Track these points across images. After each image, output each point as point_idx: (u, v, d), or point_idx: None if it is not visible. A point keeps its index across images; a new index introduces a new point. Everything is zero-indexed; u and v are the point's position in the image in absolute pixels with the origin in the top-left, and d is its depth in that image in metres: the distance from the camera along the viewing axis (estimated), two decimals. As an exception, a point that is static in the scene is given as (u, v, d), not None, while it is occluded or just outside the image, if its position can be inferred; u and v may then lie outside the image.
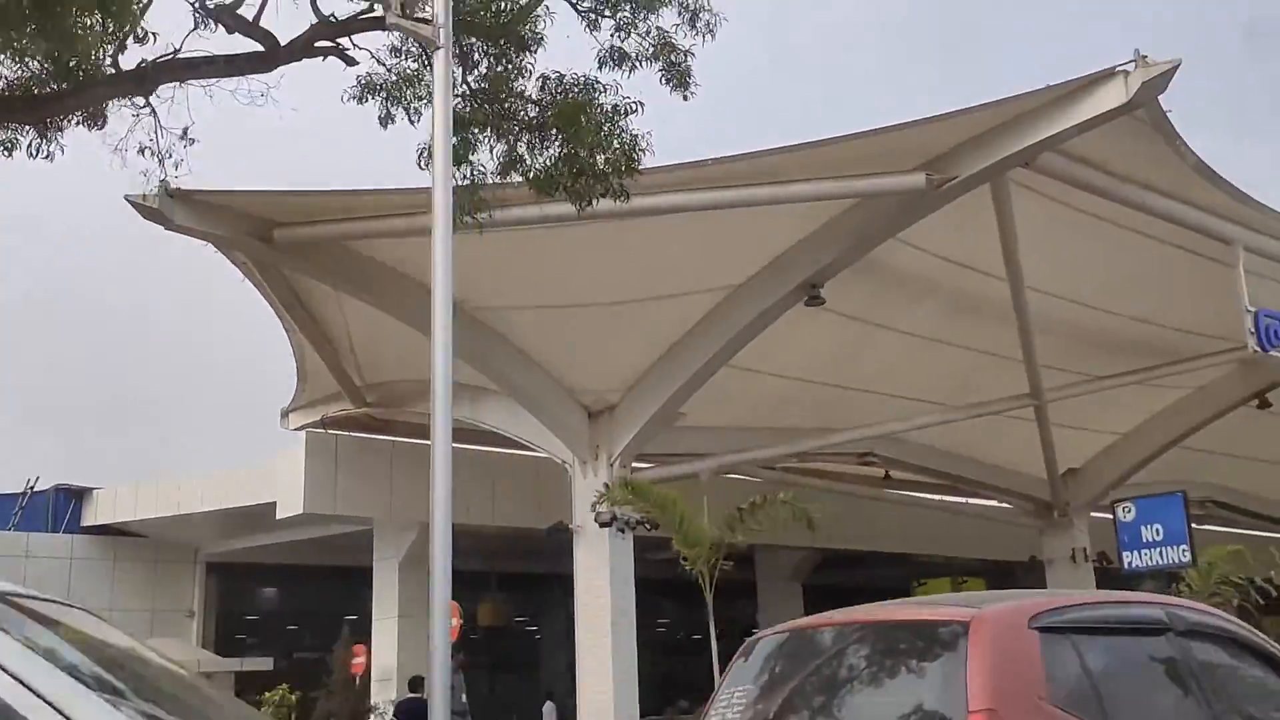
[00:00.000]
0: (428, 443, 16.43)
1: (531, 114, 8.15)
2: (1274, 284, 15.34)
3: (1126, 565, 17.46)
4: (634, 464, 16.14)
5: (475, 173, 8.13)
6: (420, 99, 7.57)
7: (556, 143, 8.23)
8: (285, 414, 20.58)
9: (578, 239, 13.17)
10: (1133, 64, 11.04)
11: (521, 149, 8.31)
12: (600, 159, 8.16)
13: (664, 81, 8.28)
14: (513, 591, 26.06)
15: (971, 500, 22.85)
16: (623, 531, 15.19)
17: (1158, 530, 16.85)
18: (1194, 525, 28.53)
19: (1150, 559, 16.78)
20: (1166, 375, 17.56)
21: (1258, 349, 14.27)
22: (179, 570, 25.18)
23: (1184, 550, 16.43)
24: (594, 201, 8.41)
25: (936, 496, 23.04)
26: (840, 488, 22.61)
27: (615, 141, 8.14)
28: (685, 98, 8.47)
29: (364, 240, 13.38)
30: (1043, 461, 21.45)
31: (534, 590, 26.15)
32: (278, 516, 19.79)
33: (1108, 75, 11.19)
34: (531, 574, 23.53)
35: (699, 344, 14.50)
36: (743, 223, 13.31)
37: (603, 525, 15.00)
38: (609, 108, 8.15)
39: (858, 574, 32.29)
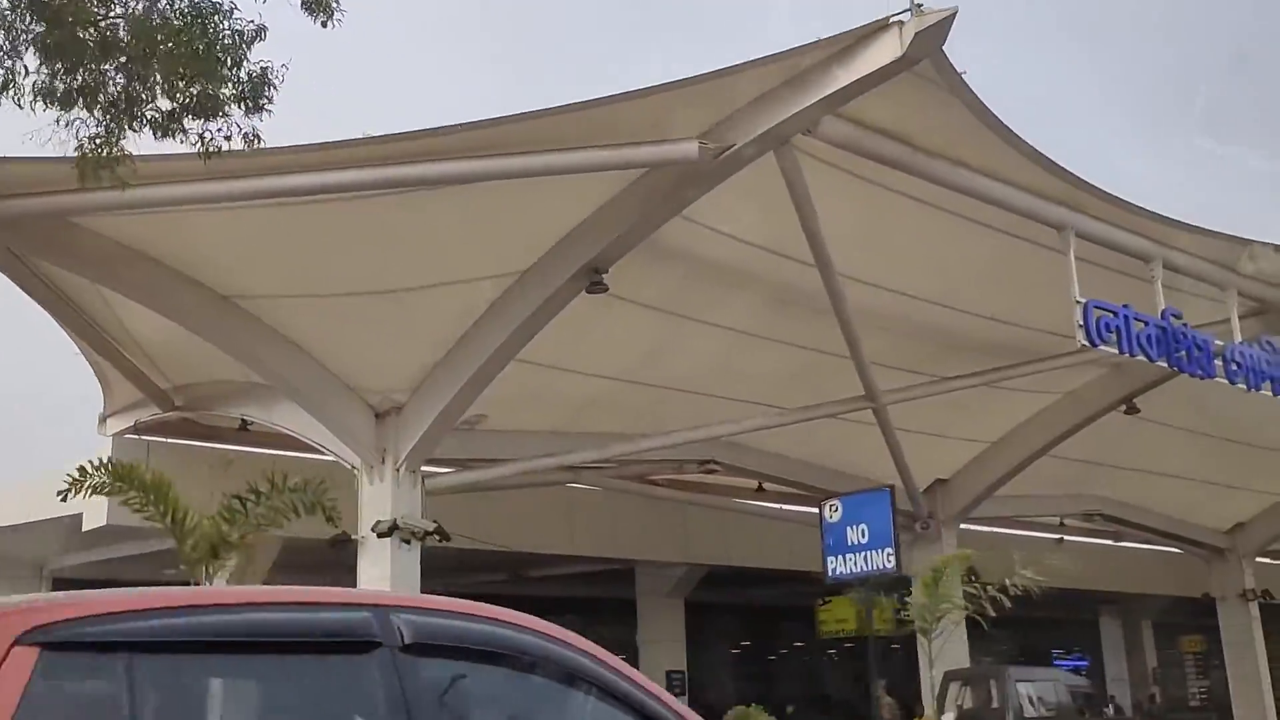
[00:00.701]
0: (252, 450, 14.88)
1: (121, 37, 6.89)
2: (1112, 274, 14.26)
3: (830, 573, 15.85)
4: (432, 469, 14.86)
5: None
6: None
7: (158, 74, 6.99)
8: (103, 419, 19.17)
9: (344, 217, 11.91)
10: (908, 13, 9.92)
11: (133, 85, 7.08)
12: (220, 91, 6.92)
13: (303, 7, 7.09)
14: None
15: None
16: (407, 542, 13.87)
17: (863, 532, 15.48)
18: (1080, 537, 27.83)
19: (855, 565, 15.45)
20: (1018, 377, 16.44)
21: (1086, 343, 13.14)
22: (23, 586, 23.68)
23: (889, 555, 15.08)
24: (219, 148, 7.15)
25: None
26: (709, 500, 21.49)
27: (236, 71, 6.91)
28: (324, 24, 7.26)
29: (97, 215, 12.03)
30: (913, 472, 20.36)
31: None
32: (83, 529, 18.37)
33: (882, 27, 10.06)
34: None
35: (484, 337, 13.22)
36: (523, 201, 12.07)
37: (381, 536, 13.67)
38: (227, 32, 6.92)
39: (753, 592, 31.25)
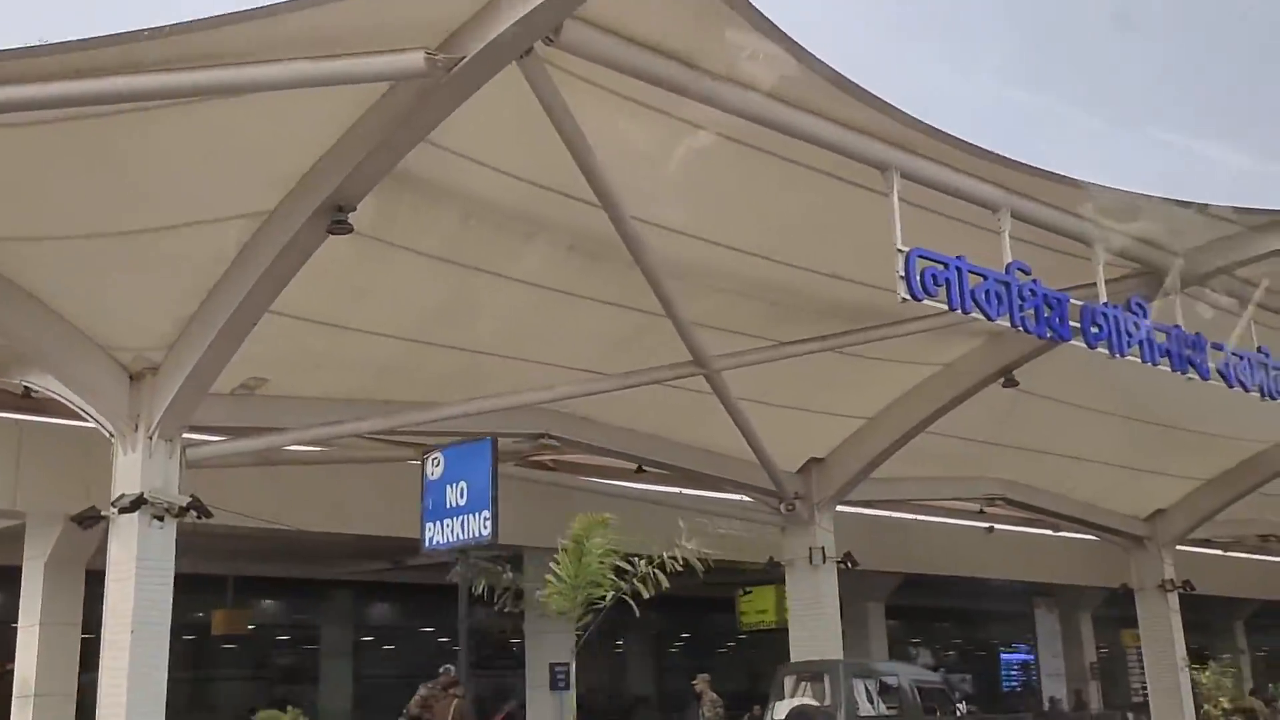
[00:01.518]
0: (62, 421, 13.29)
1: None
2: (942, 220, 12.82)
3: (427, 542, 13.81)
4: (202, 437, 13.41)
5: None
6: None
7: None
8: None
9: (60, 141, 10.37)
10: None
11: None
12: None
13: None
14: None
15: (722, 496, 20.21)
16: (160, 519, 12.41)
17: (463, 492, 13.70)
18: (1014, 526, 26.39)
19: (452, 532, 13.79)
20: (868, 342, 14.99)
21: (907, 296, 11.69)
22: None
23: (485, 520, 13.37)
24: None
25: (692, 492, 20.39)
26: (588, 483, 20.12)
27: None
28: None
29: None
30: (785, 450, 18.98)
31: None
32: None
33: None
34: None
35: (233, 287, 11.75)
36: (261, 129, 10.59)
37: (123, 511, 12.21)
38: None
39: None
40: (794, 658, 18.44)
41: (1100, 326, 13.72)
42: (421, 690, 16.08)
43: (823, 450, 19.11)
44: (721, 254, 13.28)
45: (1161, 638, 24.79)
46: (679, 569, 10.82)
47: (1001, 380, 17.17)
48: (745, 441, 17.64)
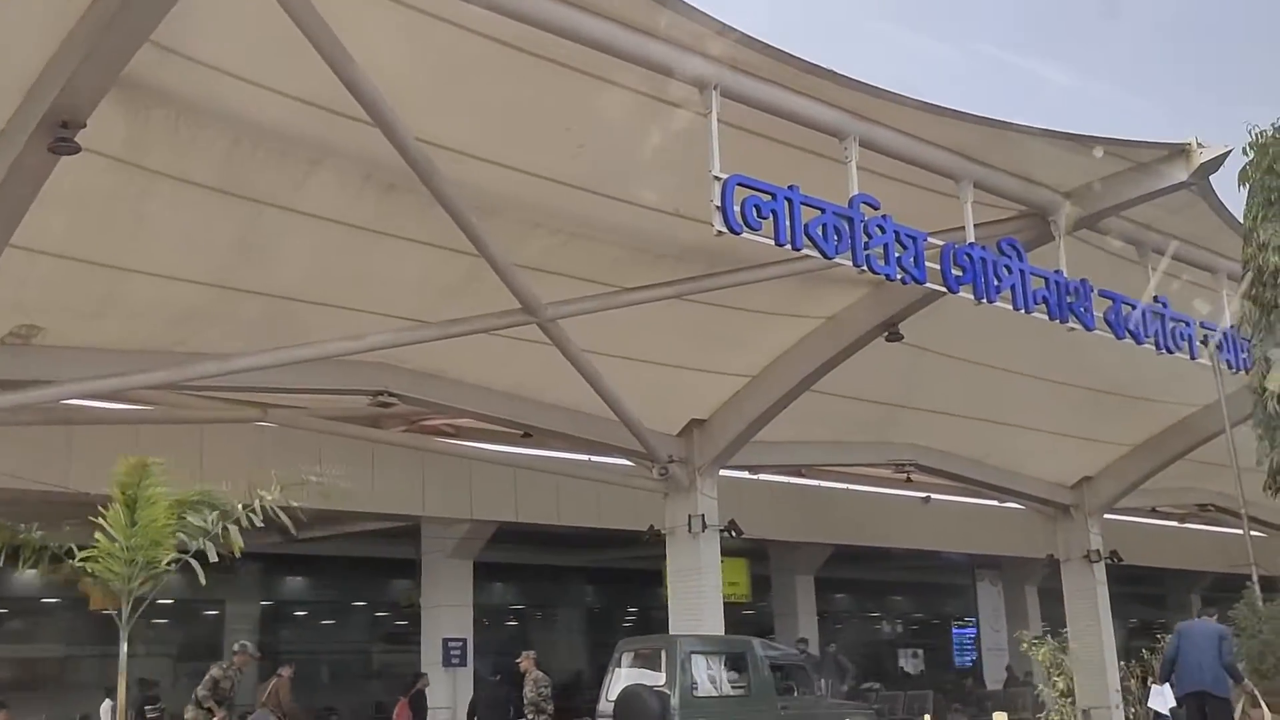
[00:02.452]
0: None
1: None
2: (767, 141, 11.57)
3: None
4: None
5: None
6: None
7: None
8: None
9: None
10: None
11: None
12: None
13: None
14: None
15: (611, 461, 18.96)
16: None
17: None
18: (951, 496, 25.18)
19: None
20: (721, 289, 13.71)
21: (723, 229, 10.43)
22: None
23: None
24: None
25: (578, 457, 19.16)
26: (475, 450, 18.93)
27: None
28: None
29: None
30: (664, 411, 17.78)
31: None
32: None
33: None
34: None
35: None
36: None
37: None
38: None
39: (576, 554, 28.53)
40: (673, 630, 17.27)
41: (964, 269, 12.50)
42: (214, 671, 14.77)
43: (704, 411, 17.88)
44: (538, 186, 12.01)
45: (1087, 611, 23.65)
46: (259, 524, 9.51)
47: (885, 334, 15.93)
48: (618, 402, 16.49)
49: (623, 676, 13.63)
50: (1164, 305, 14.98)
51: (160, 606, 10.03)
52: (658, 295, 13.29)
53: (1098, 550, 24.07)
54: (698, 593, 17.28)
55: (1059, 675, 12.10)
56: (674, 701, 12.75)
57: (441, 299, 13.48)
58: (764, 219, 10.69)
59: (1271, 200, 12.41)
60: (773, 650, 15.00)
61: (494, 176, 11.73)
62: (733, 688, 13.84)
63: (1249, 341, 12.98)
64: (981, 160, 12.92)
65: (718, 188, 10.42)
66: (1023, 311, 13.00)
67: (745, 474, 23.84)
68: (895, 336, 15.95)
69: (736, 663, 14.04)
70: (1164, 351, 14.78)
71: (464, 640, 23.23)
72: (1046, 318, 13.31)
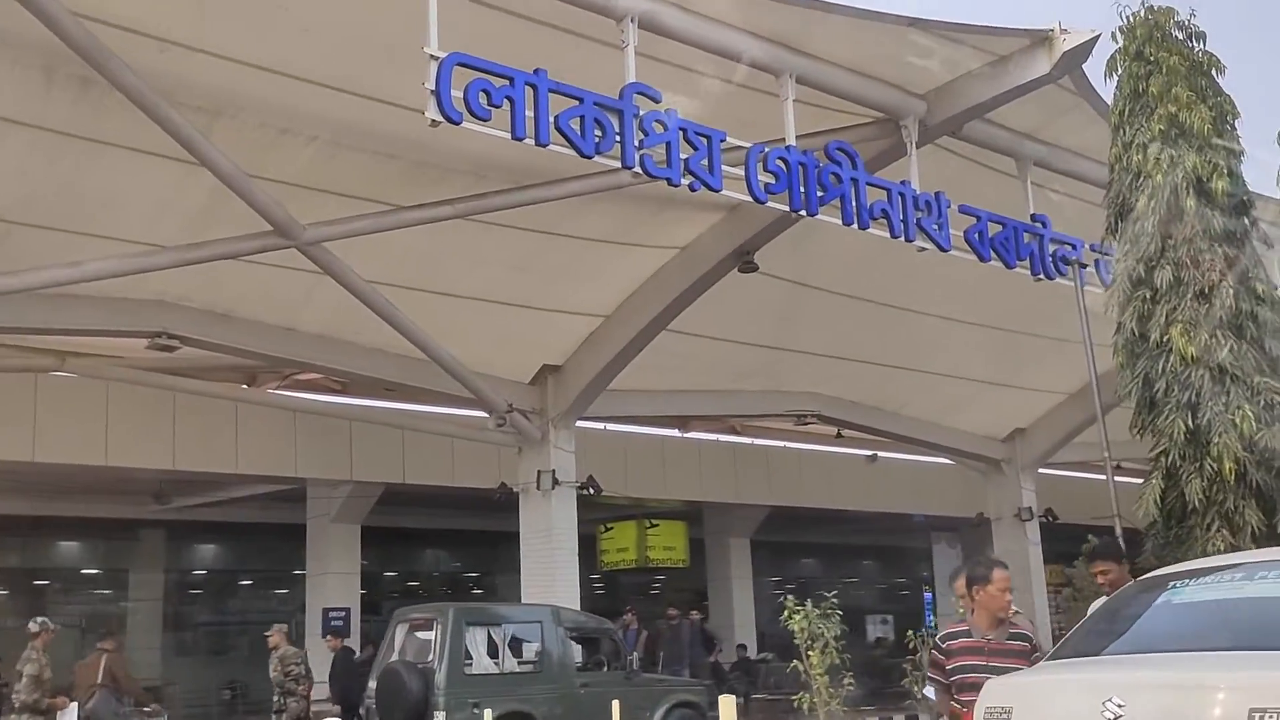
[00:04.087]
0: None
1: None
2: (524, 22, 9.77)
3: None
4: None
5: None
6: None
7: None
8: None
9: None
10: None
11: None
12: None
13: None
14: None
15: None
16: None
17: None
18: (898, 454, 23.28)
19: None
20: (516, 206, 11.88)
21: (438, 118, 8.66)
22: None
23: None
24: None
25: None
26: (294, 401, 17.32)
27: None
28: None
29: None
30: (513, 357, 16.10)
31: None
32: None
33: None
34: None
35: None
36: None
37: None
38: None
39: (465, 518, 26.57)
40: (525, 598, 15.64)
41: (777, 176, 10.69)
42: (27, 669, 12.97)
43: (557, 356, 16.16)
44: (265, 82, 10.24)
45: (1018, 573, 21.81)
46: None
47: (739, 264, 14.16)
48: (482, 353, 14.90)
49: (395, 651, 11.96)
50: (1044, 224, 13.16)
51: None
52: (438, 215, 11.54)
53: (1030, 508, 22.30)
54: (549, 557, 15.61)
55: (820, 648, 10.33)
56: (439, 679, 11.07)
57: (193, 222, 11.73)
58: (496, 107, 8.93)
59: (1139, 91, 10.52)
60: (576, 621, 13.26)
61: (206, 68, 9.97)
62: (520, 664, 12.14)
63: (1111, 255, 11.13)
64: (804, 50, 11.09)
65: (433, 68, 8.66)
66: (855, 227, 11.20)
67: (675, 432, 22.29)
68: (750, 267, 14.17)
69: (528, 635, 12.34)
70: (1042, 277, 12.99)
71: (347, 610, 21.65)
72: (888, 234, 11.50)
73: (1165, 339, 9.96)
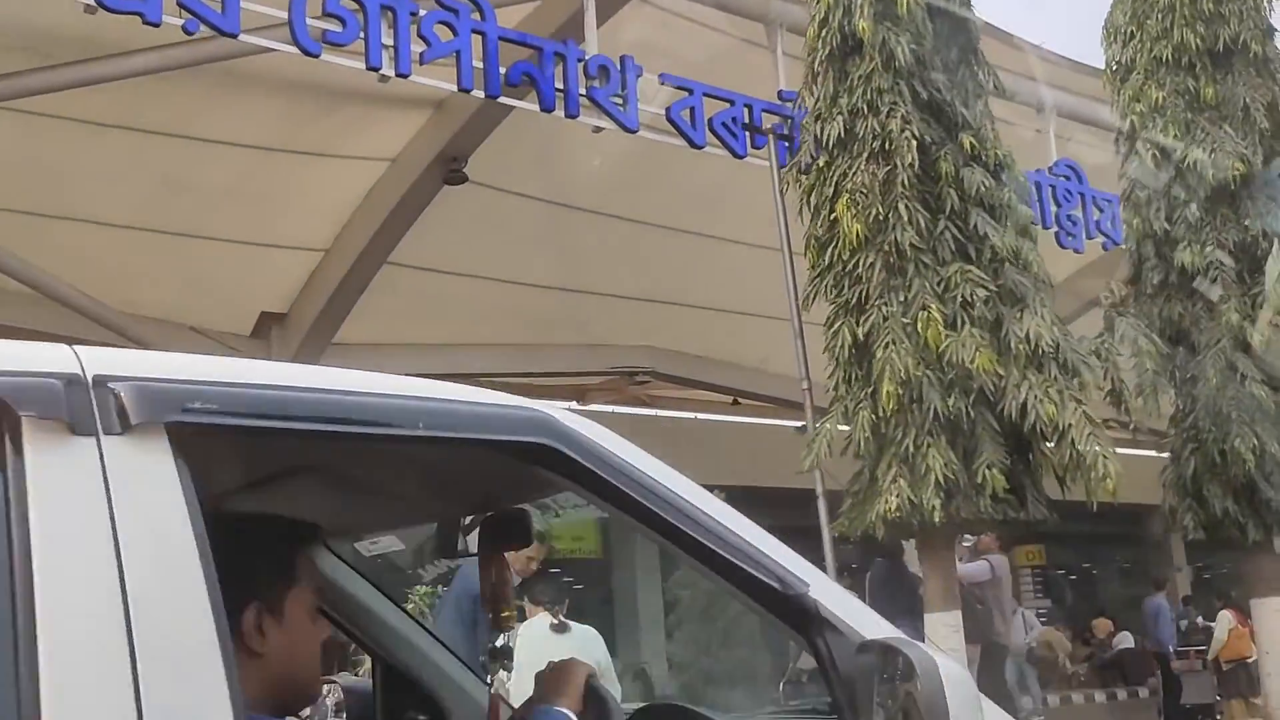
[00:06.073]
0: None
1: None
2: None
3: None
4: None
5: None
6: None
7: None
8: None
9: None
10: None
11: None
12: None
13: None
14: None
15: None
16: None
17: None
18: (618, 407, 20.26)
19: None
20: (67, 89, 9.18)
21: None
22: None
23: None
24: None
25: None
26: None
27: None
28: None
29: None
30: (225, 306, 13.56)
31: None
32: None
33: None
34: None
35: None
36: None
37: None
38: None
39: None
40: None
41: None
42: None
43: (279, 303, 13.52)
44: None
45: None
46: None
47: (445, 175, 11.51)
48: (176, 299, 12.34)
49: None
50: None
51: None
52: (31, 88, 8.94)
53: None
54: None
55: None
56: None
57: None
58: None
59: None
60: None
61: None
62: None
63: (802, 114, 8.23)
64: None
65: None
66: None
67: (573, 403, 19.57)
68: (458, 178, 11.51)
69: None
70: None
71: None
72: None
73: (832, 215, 7.19)
